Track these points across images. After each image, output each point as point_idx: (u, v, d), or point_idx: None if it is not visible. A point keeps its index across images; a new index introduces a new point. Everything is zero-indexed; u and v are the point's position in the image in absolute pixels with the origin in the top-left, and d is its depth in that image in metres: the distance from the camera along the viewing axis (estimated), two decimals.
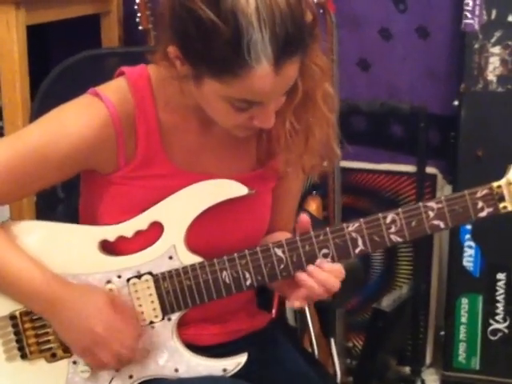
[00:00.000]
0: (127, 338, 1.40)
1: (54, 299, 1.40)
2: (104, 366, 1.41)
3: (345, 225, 1.39)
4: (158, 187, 1.44)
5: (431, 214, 1.37)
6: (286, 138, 1.44)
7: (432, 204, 1.37)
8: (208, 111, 1.39)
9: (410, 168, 2.76)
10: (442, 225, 1.37)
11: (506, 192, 1.36)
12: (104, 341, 1.38)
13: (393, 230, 1.38)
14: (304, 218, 1.41)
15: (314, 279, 1.38)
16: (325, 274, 1.38)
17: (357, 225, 1.38)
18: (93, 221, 1.48)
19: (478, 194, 1.36)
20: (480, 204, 1.36)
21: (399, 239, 1.38)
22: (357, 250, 1.39)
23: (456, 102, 2.59)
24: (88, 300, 1.40)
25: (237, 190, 1.44)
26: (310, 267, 1.38)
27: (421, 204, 1.37)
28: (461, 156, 2.59)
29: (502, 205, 1.37)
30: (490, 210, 1.37)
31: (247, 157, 1.51)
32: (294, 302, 1.42)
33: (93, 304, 1.40)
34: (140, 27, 2.47)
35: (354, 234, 1.38)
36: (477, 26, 2.49)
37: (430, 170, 2.75)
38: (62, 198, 1.83)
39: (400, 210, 1.38)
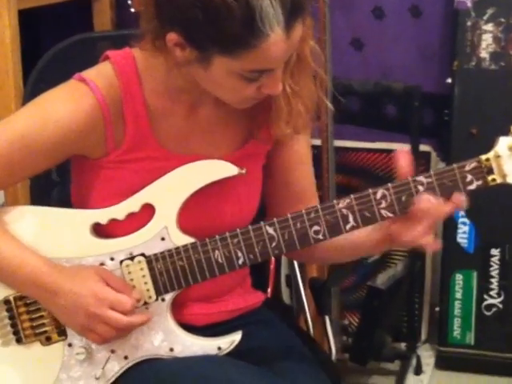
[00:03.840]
0: (121, 306, 1.39)
1: (46, 285, 1.40)
2: (107, 339, 1.42)
3: (335, 201, 1.39)
4: (148, 170, 1.44)
5: (421, 188, 1.37)
6: (287, 101, 1.44)
7: (421, 178, 1.38)
8: (214, 90, 1.39)
9: (403, 146, 2.76)
10: None
11: (494, 165, 1.36)
12: (98, 315, 1.39)
13: (383, 205, 1.38)
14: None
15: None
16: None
17: (347, 201, 1.39)
18: (85, 205, 1.48)
19: (467, 168, 1.37)
20: (469, 177, 1.37)
21: (390, 214, 1.38)
22: (348, 227, 1.39)
23: (449, 80, 2.59)
24: (78, 279, 1.41)
25: (227, 170, 1.44)
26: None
27: (410, 179, 1.38)
28: (455, 133, 2.60)
29: (490, 177, 1.37)
30: (479, 182, 1.37)
31: (236, 134, 1.51)
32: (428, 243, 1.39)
33: (81, 281, 1.40)
34: (132, 9, 2.47)
35: (344, 211, 1.39)
36: (469, 4, 2.49)
37: (423, 147, 2.76)
38: (56, 182, 1.83)
39: (390, 185, 1.38)
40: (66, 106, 1.40)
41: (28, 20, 2.32)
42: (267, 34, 1.27)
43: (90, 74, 1.43)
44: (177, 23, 1.30)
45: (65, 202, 1.58)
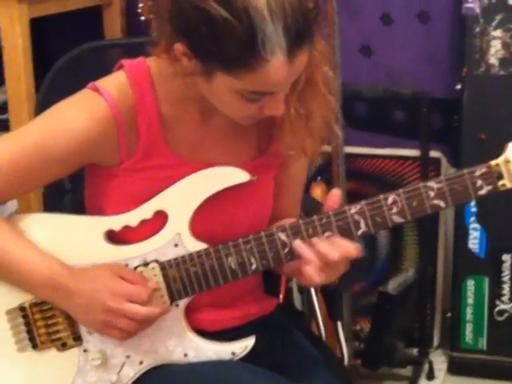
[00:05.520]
0: (138, 297, 1.40)
1: (63, 286, 1.41)
2: (130, 333, 1.42)
3: (347, 207, 1.40)
4: (161, 178, 1.45)
5: (431, 193, 1.38)
6: (290, 123, 1.45)
7: (432, 184, 1.38)
8: (217, 104, 1.40)
9: (413, 152, 2.77)
10: (442, 204, 1.38)
11: (504, 170, 1.37)
12: (116, 308, 1.39)
13: (394, 210, 1.39)
14: (334, 193, 1.41)
15: (313, 250, 1.38)
16: (324, 245, 1.37)
17: (359, 207, 1.39)
18: (98, 212, 1.49)
19: (477, 173, 1.37)
20: (479, 182, 1.37)
21: (401, 219, 1.39)
22: (359, 232, 1.40)
23: (458, 86, 2.60)
24: (92, 277, 1.41)
25: (239, 176, 1.45)
26: (313, 239, 1.38)
27: (421, 184, 1.39)
28: (464, 139, 2.60)
29: (500, 183, 1.37)
30: (489, 188, 1.37)
31: (248, 146, 1.52)
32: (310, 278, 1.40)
33: (96, 278, 1.41)
34: (142, 17, 2.48)
35: (356, 216, 1.39)
36: (478, 10, 2.50)
37: (433, 153, 2.76)
38: (68, 189, 1.84)
39: (401, 190, 1.39)
40: (79, 115, 1.41)
41: (38, 27, 2.34)
42: (267, 59, 1.27)
43: (103, 83, 1.44)
44: (184, 34, 1.31)
45: (77, 209, 1.59)
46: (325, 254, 1.37)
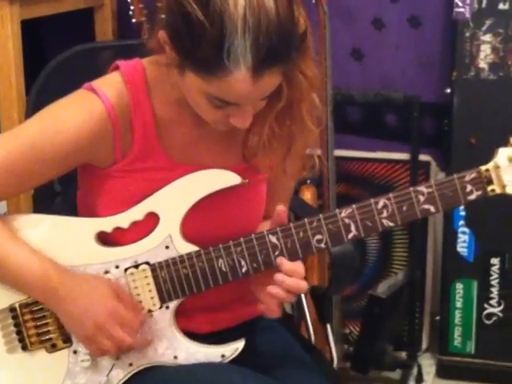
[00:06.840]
0: (129, 326, 1.41)
1: (57, 288, 1.41)
2: (105, 353, 1.43)
3: (338, 211, 1.41)
4: (155, 180, 1.45)
5: (421, 198, 1.39)
6: (264, 141, 1.45)
7: (422, 189, 1.39)
8: (190, 102, 1.41)
9: (403, 156, 2.78)
10: (432, 209, 1.39)
11: (493, 175, 1.38)
12: (106, 328, 1.40)
13: (384, 214, 1.40)
14: (280, 208, 1.43)
15: (280, 288, 1.40)
16: (290, 280, 1.40)
17: (349, 210, 1.40)
18: (91, 213, 1.49)
19: (467, 178, 1.39)
20: (469, 187, 1.39)
21: (391, 224, 1.40)
22: (350, 235, 1.41)
23: (448, 90, 2.61)
24: (90, 288, 1.42)
25: (231, 179, 1.45)
26: (277, 276, 1.40)
27: (411, 189, 1.40)
28: (454, 143, 2.61)
29: (490, 188, 1.39)
30: (479, 193, 1.39)
31: (239, 150, 1.52)
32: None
33: (95, 292, 1.42)
34: (133, 20, 2.49)
35: (346, 220, 1.40)
36: (468, 15, 2.51)
37: (423, 157, 2.78)
38: (58, 192, 1.84)
39: (391, 195, 1.40)
40: (76, 115, 1.42)
41: (30, 30, 2.34)
42: (230, 69, 1.28)
43: (99, 83, 1.45)
44: (166, 23, 1.34)
45: (67, 211, 1.59)
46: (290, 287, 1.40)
